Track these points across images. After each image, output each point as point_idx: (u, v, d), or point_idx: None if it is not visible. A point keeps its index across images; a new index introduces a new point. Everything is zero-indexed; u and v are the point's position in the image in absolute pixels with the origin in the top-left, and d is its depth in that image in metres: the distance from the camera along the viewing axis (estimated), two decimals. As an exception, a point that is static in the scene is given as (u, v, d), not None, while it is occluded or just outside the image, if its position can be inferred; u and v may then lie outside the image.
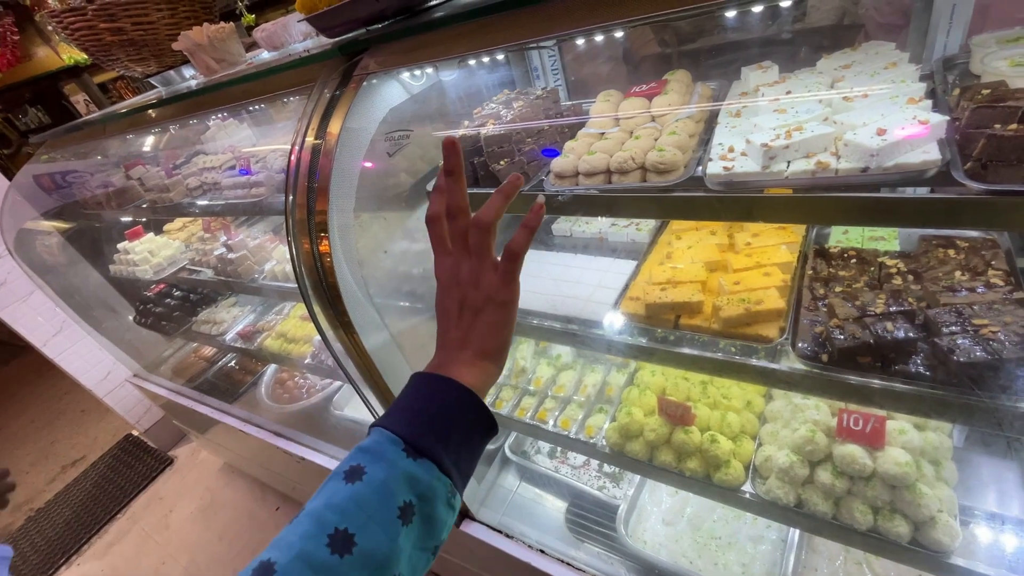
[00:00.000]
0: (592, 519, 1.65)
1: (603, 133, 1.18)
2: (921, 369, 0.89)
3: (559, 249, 1.63)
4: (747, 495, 1.20)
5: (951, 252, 1.08)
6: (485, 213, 0.62)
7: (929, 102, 0.87)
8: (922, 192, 0.80)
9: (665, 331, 1.16)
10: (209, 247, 2.47)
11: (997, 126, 0.73)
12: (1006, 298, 0.92)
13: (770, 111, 1.01)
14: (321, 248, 1.24)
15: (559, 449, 1.86)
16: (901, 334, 0.91)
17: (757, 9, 0.88)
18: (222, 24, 1.88)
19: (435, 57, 1.13)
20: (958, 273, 1.02)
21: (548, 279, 1.46)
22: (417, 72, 1.28)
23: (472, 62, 1.44)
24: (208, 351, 3.22)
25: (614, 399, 1.50)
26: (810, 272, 1.16)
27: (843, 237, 1.24)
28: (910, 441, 1.07)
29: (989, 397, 0.83)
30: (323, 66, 1.24)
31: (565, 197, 1.10)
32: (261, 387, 2.68)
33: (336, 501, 0.49)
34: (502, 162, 1.20)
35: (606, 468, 1.74)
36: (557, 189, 1.13)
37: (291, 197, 1.24)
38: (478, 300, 0.62)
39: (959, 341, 0.86)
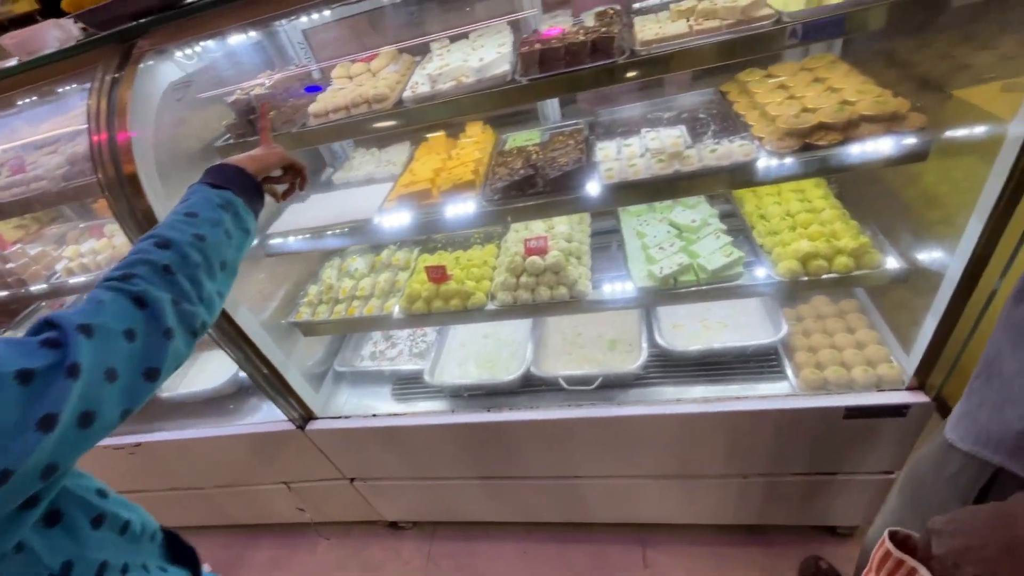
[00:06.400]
0: (410, 385, 2.19)
1: (342, 88, 1.73)
2: (540, 189, 1.63)
3: (343, 188, 2.14)
4: (489, 307, 1.86)
5: (561, 137, 1.88)
6: (263, 125, 1.26)
7: (509, 47, 1.62)
8: (505, 87, 1.51)
9: (415, 211, 1.76)
10: (-24, 267, 2.35)
11: (523, 48, 1.47)
12: (574, 149, 1.72)
13: (437, 61, 1.69)
14: (140, 201, 1.54)
15: (378, 352, 2.35)
16: (526, 173, 1.63)
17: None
18: (-39, 33, 1.93)
19: (200, 34, 1.55)
20: (562, 143, 1.81)
21: (335, 206, 1.95)
22: (188, 51, 1.66)
23: (236, 44, 1.86)
24: None
25: (402, 288, 2.06)
26: (494, 162, 1.87)
27: (513, 142, 1.99)
28: (562, 247, 1.84)
29: (570, 192, 1.59)
30: (102, 52, 1.55)
31: (322, 127, 1.63)
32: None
33: (179, 207, 0.95)
34: (272, 112, 1.67)
35: (415, 350, 2.30)
36: (317, 125, 1.64)
37: (100, 164, 1.52)
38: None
39: (549, 169, 1.62)
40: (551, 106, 2.17)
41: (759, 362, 1.84)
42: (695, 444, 1.83)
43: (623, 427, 1.81)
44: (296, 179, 1.29)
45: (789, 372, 1.76)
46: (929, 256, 1.53)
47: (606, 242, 2.12)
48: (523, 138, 1.99)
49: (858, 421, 1.62)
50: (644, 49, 1.38)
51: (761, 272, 1.68)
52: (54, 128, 2.09)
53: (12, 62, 2.11)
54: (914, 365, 1.55)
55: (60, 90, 1.88)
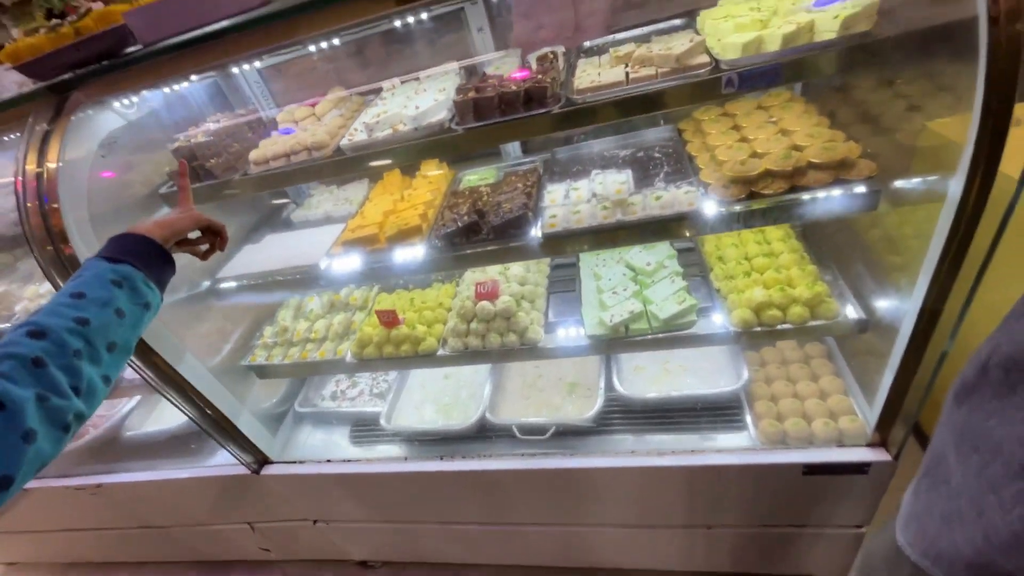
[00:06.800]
0: (367, 428, 2.13)
1: (286, 131, 1.70)
2: (485, 236, 1.58)
3: (300, 228, 2.11)
4: (440, 354, 1.81)
5: (514, 177, 1.84)
6: (182, 184, 1.23)
7: (451, 91, 1.58)
8: (440, 135, 1.46)
9: (360, 256, 1.71)
10: (-62, 308, 2.35)
11: (457, 97, 1.43)
12: (522, 193, 1.67)
13: (378, 106, 1.65)
14: (65, 251, 1.52)
15: (339, 391, 2.31)
16: (470, 219, 1.59)
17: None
18: (-85, 79, 1.94)
19: (139, 85, 1.53)
20: (512, 185, 1.77)
21: (287, 248, 1.92)
22: (127, 101, 1.65)
23: (183, 89, 1.84)
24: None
25: (356, 330, 2.02)
26: (445, 204, 1.82)
27: (467, 182, 1.94)
28: (512, 291, 1.79)
29: (514, 240, 1.54)
30: (35, 104, 1.54)
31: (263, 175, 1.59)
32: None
33: (67, 287, 0.89)
34: (212, 160, 1.64)
35: (375, 391, 2.25)
36: (257, 172, 1.61)
37: (26, 215, 1.50)
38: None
39: (494, 215, 1.57)
40: (511, 141, 2.13)
41: (719, 411, 1.76)
42: (653, 495, 1.76)
43: (577, 478, 1.75)
44: (215, 239, 1.25)
45: (749, 422, 1.68)
46: (887, 306, 1.46)
47: (569, 276, 2.06)
48: (478, 177, 1.95)
49: (819, 477, 1.54)
50: (579, 97, 1.33)
51: (717, 319, 1.61)
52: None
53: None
54: (876, 419, 1.47)
55: (11, 137, 1.87)
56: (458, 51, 1.95)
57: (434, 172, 2.00)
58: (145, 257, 1.02)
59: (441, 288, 2.08)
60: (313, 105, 1.75)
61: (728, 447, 1.64)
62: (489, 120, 1.39)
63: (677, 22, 1.64)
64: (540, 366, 2.10)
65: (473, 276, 1.99)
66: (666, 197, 1.45)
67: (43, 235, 1.48)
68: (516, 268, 1.93)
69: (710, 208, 1.38)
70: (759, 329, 1.52)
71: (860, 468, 1.48)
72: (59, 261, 1.51)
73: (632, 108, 1.29)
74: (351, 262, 1.71)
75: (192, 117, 1.91)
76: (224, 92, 2.09)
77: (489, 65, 1.73)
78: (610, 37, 1.74)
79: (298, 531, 2.40)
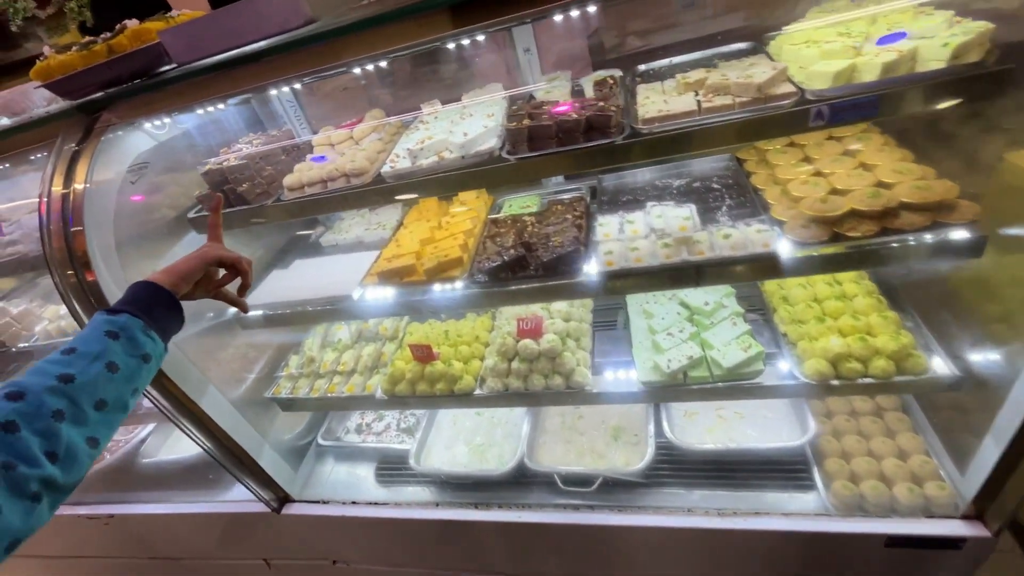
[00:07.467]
0: (395, 467, 2.01)
1: (318, 159, 1.60)
2: (532, 272, 1.46)
3: (329, 253, 2.01)
4: (478, 394, 1.69)
5: (559, 207, 1.72)
6: (212, 221, 1.16)
7: (499, 117, 1.47)
8: (490, 164, 1.36)
9: (396, 288, 1.60)
10: (-42, 326, 2.28)
11: (510, 124, 1.32)
12: (572, 225, 1.55)
13: (420, 130, 1.55)
14: (87, 277, 1.43)
15: (364, 424, 2.19)
16: (517, 253, 1.47)
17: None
18: (-53, 95, 1.89)
19: (171, 107, 1.45)
20: (559, 216, 1.65)
21: (317, 275, 1.82)
22: (158, 122, 1.57)
23: (218, 110, 1.77)
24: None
25: (387, 362, 1.90)
26: (486, 233, 1.71)
27: (508, 209, 1.83)
28: (557, 328, 1.66)
29: (565, 277, 1.42)
30: (64, 124, 1.47)
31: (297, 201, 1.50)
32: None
33: (66, 343, 0.83)
34: (244, 184, 1.55)
35: (403, 425, 2.12)
36: (291, 199, 1.52)
37: (48, 237, 1.42)
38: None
39: (542, 251, 1.45)
40: (553, 166, 2.01)
41: (782, 467, 1.60)
42: (710, 558, 1.60)
43: (627, 536, 1.60)
44: (236, 274, 1.15)
45: (818, 481, 1.52)
46: (986, 363, 1.31)
47: (612, 308, 1.92)
48: (520, 204, 1.84)
49: (903, 550, 1.37)
50: (646, 128, 1.22)
51: (783, 367, 1.46)
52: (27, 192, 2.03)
53: (1, 120, 2.08)
54: (972, 491, 1.31)
55: (39, 156, 1.81)
56: (502, 71, 1.86)
57: (473, 198, 1.90)
58: (147, 304, 0.96)
59: (476, 320, 1.96)
60: (351, 127, 1.66)
61: (796, 510, 1.49)
62: (545, 150, 1.28)
63: (743, 46, 1.53)
64: (581, 407, 1.96)
65: (513, 309, 1.86)
66: (736, 236, 1.32)
67: (64, 258, 1.40)
68: (559, 303, 1.80)
69: (791, 250, 1.25)
70: (837, 383, 1.37)
71: (953, 543, 1.32)
72: (80, 287, 1.42)
73: (708, 140, 1.17)
74: (387, 294, 1.60)
75: (225, 138, 1.84)
76: (256, 112, 2.02)
77: (538, 89, 1.62)
78: (666, 61, 1.63)
79: (317, 570, 2.26)
